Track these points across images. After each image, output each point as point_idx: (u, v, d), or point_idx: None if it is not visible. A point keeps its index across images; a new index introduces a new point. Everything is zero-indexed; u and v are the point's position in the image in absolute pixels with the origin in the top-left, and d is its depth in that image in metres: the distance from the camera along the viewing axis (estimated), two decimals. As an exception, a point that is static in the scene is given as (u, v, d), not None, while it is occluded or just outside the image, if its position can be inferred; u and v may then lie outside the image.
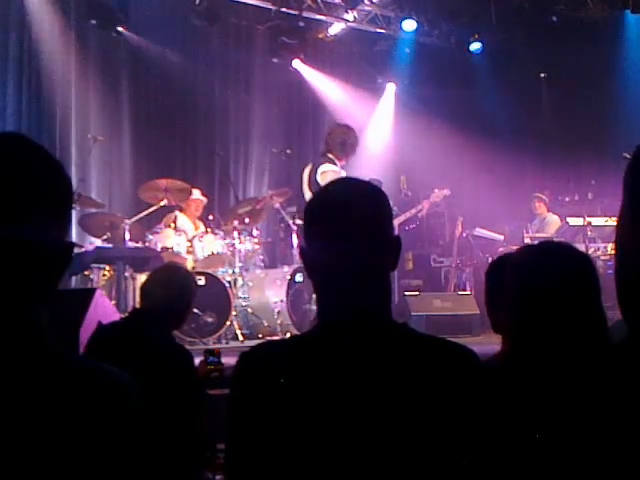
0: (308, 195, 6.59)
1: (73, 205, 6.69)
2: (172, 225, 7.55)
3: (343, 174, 6.56)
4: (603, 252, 8.24)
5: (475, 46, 10.92)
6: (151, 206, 7.62)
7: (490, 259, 9.04)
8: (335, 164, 6.59)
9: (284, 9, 9.96)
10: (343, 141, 6.67)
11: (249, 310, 7.57)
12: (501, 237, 9.55)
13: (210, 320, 6.92)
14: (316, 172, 6.60)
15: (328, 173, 6.46)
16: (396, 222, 8.04)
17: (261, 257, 8.04)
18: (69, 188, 1.20)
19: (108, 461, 1.08)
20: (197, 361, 3.67)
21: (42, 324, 1.13)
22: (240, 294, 7.57)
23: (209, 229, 7.75)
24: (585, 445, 1.13)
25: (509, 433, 1.60)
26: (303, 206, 6.06)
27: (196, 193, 8.22)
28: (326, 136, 6.95)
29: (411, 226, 9.39)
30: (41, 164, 1.16)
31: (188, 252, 7.39)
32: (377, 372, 1.45)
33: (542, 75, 11.67)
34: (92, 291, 5.09)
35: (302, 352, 1.51)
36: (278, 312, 7.39)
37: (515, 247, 7.48)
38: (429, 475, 1.40)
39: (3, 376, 1.05)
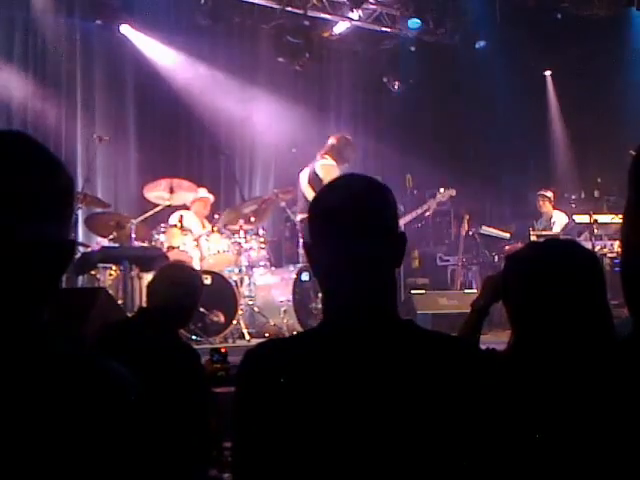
0: (309, 192, 6.88)
1: (79, 205, 6.68)
2: (178, 224, 7.55)
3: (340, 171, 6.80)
4: (609, 250, 8.22)
5: (480, 44, 10.89)
6: (157, 205, 7.64)
7: (496, 257, 9.05)
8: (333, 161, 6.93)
9: (289, 8, 9.95)
10: (340, 149, 7.05)
11: (255, 309, 7.57)
12: (507, 235, 9.54)
13: (216, 319, 6.92)
14: (315, 168, 6.92)
15: (327, 166, 6.81)
16: (402, 222, 8.04)
17: (267, 256, 8.03)
18: (71, 186, 1.20)
19: (108, 458, 1.08)
20: (203, 360, 3.68)
21: (43, 323, 1.13)
22: (246, 293, 7.57)
23: (215, 228, 7.75)
24: (590, 439, 1.13)
25: (513, 427, 1.60)
26: (307, 206, 6.13)
27: (202, 191, 8.22)
28: (327, 141, 7.28)
29: (417, 225, 9.39)
30: (42, 162, 1.15)
31: (194, 251, 7.39)
32: (383, 369, 1.44)
33: (547, 73, 11.65)
34: (99, 290, 5.10)
35: (307, 350, 1.51)
36: (284, 311, 7.39)
37: (521, 245, 7.47)
38: (437, 469, 1.40)
39: (3, 375, 1.05)
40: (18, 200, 1.09)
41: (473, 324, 2.53)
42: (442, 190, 8.61)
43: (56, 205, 1.16)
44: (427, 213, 8.61)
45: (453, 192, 8.62)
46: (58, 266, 1.16)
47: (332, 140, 7.28)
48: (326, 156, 7.02)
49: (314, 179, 6.85)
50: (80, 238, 8.30)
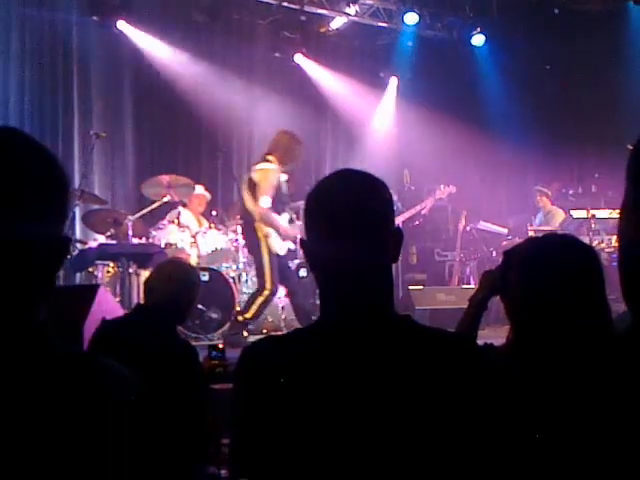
0: (247, 198, 6.40)
1: (76, 202, 6.65)
2: (175, 221, 7.55)
3: (282, 177, 6.51)
4: (607, 244, 8.23)
5: (477, 39, 10.88)
6: (154, 202, 7.63)
7: (494, 253, 9.05)
8: (274, 165, 6.43)
9: (285, 3, 9.93)
10: (286, 147, 6.53)
11: (253, 305, 7.56)
12: (505, 230, 9.54)
13: (214, 316, 6.93)
14: (252, 171, 6.49)
15: (264, 171, 6.36)
16: (401, 218, 8.01)
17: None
18: (66, 183, 1.19)
19: (108, 456, 1.08)
20: (201, 357, 3.68)
21: (41, 320, 1.13)
22: (244, 289, 7.57)
23: (212, 225, 7.75)
24: (589, 435, 1.13)
25: (511, 422, 1.60)
26: (241, 209, 5.80)
27: (199, 189, 8.22)
28: (271, 140, 6.76)
29: (415, 223, 9.39)
30: (37, 159, 1.15)
31: (192, 248, 7.39)
32: (380, 365, 1.44)
33: (547, 67, 11.64)
34: (96, 287, 5.10)
35: (305, 347, 1.51)
36: (282, 307, 7.39)
37: (519, 240, 7.48)
38: (435, 466, 1.39)
39: (4, 375, 1.05)
40: (14, 197, 1.09)
41: (471, 319, 2.53)
42: (442, 187, 8.59)
43: (52, 202, 1.15)
44: (424, 210, 8.60)
45: (453, 189, 8.60)
46: (55, 263, 1.16)
47: (277, 137, 6.70)
48: (269, 157, 6.51)
49: (250, 185, 6.40)
50: (77, 235, 8.31)
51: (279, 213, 6.46)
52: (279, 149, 6.52)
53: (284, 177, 6.56)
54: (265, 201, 6.24)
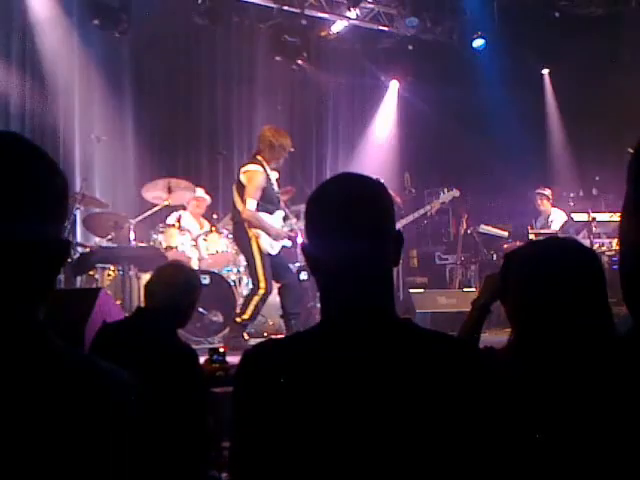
0: (237, 199, 6.36)
1: (77, 205, 6.64)
2: (176, 224, 7.55)
3: (273, 175, 6.48)
4: (608, 247, 8.22)
5: (478, 42, 10.89)
6: (155, 205, 7.63)
7: (495, 256, 9.05)
8: (261, 165, 6.37)
9: (286, 7, 9.94)
10: (271, 143, 6.42)
11: (254, 308, 7.55)
12: (506, 234, 9.53)
13: (215, 319, 6.93)
14: (239, 173, 6.43)
15: (250, 173, 6.31)
16: (404, 222, 7.99)
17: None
18: (65, 187, 1.20)
19: (108, 458, 1.08)
20: (202, 360, 3.68)
21: (40, 322, 1.13)
22: (245, 293, 7.56)
23: (213, 228, 7.75)
24: (590, 437, 1.13)
25: (512, 425, 1.60)
26: (232, 210, 5.69)
27: (199, 192, 8.21)
28: (258, 138, 6.71)
29: (423, 223, 9.37)
30: (35, 162, 1.16)
31: (192, 251, 7.39)
32: (381, 368, 1.44)
33: (545, 71, 11.65)
34: (97, 291, 5.10)
35: (306, 350, 1.51)
36: (283, 310, 7.38)
37: (520, 243, 7.46)
38: (436, 469, 1.39)
39: (4, 375, 1.05)
40: (14, 200, 1.10)
41: (474, 322, 2.53)
42: (446, 191, 8.56)
43: (51, 205, 1.17)
44: (429, 213, 8.58)
45: (457, 193, 8.55)
46: (54, 265, 1.17)
47: (261, 135, 6.57)
48: (258, 157, 6.45)
49: (239, 186, 6.36)
50: (78, 238, 8.30)
51: (271, 213, 6.45)
52: (265, 148, 6.45)
53: (275, 175, 6.53)
54: (251, 204, 6.21)
